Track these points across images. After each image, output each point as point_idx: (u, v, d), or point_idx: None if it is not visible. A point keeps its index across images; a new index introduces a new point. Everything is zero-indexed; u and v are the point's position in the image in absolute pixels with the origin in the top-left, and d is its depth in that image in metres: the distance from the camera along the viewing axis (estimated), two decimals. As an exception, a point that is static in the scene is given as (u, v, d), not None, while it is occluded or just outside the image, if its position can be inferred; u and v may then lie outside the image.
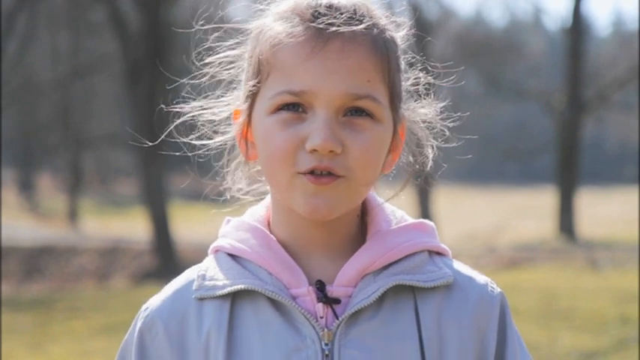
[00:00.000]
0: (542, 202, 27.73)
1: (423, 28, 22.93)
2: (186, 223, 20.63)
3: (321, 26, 1.40)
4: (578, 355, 7.85)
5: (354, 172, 1.41)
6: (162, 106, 1.62)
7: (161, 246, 16.21)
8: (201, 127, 1.56)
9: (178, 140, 1.58)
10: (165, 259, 15.83)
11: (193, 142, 1.57)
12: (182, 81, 1.59)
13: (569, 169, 20.87)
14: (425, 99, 1.56)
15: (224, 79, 1.55)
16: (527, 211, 28.39)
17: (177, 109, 1.57)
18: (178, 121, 1.58)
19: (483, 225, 23.91)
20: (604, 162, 47.55)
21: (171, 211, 17.15)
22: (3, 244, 16.70)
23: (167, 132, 1.58)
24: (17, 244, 18.32)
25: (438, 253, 1.52)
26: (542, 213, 25.07)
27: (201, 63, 1.56)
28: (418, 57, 1.56)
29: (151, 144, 1.72)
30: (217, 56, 1.54)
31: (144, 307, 1.52)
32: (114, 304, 11.10)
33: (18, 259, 16.90)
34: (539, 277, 12.95)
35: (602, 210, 28.12)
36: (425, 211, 22.71)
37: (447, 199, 28.25)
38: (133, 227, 23.00)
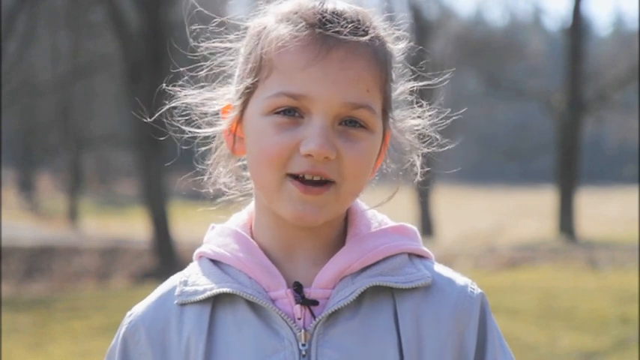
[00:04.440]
0: (542, 202, 27.74)
1: (423, 28, 22.91)
2: (186, 223, 20.63)
3: (327, 33, 1.41)
4: (578, 355, 7.85)
5: (345, 180, 1.43)
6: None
7: (161, 246, 16.21)
8: (194, 118, 1.57)
9: (170, 123, 1.58)
10: (165, 259, 15.83)
11: (183, 127, 1.57)
12: (180, 75, 1.59)
13: (569, 169, 20.86)
14: (416, 107, 1.57)
15: (218, 72, 1.55)
16: (527, 211, 28.39)
17: (170, 98, 1.58)
18: (167, 105, 1.58)
19: (483, 225, 23.92)
20: (604, 162, 47.56)
21: (171, 211, 17.16)
22: (3, 244, 16.69)
23: (161, 130, 1.59)
24: (17, 244, 18.31)
25: (420, 256, 1.53)
26: (542, 213, 25.07)
27: (195, 54, 1.56)
28: (412, 68, 1.58)
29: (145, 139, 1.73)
30: (214, 45, 1.55)
31: (128, 313, 1.55)
32: (114, 304, 11.09)
33: (18, 259, 16.90)
34: (539, 277, 12.94)
35: (602, 210, 28.12)
36: (425, 212, 22.71)
37: (447, 200, 28.25)
38: (133, 227, 23.01)
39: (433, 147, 1.58)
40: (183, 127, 1.57)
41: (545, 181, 26.94)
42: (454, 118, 1.61)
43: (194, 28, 1.57)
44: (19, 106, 25.10)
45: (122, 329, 1.54)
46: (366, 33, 1.43)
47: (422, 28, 22.55)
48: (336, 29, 1.41)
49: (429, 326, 1.47)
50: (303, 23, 1.43)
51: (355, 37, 1.42)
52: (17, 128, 30.93)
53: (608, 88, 22.34)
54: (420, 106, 1.57)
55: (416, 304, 1.47)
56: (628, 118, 27.44)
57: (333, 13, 1.43)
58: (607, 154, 49.10)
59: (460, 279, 1.53)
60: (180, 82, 1.58)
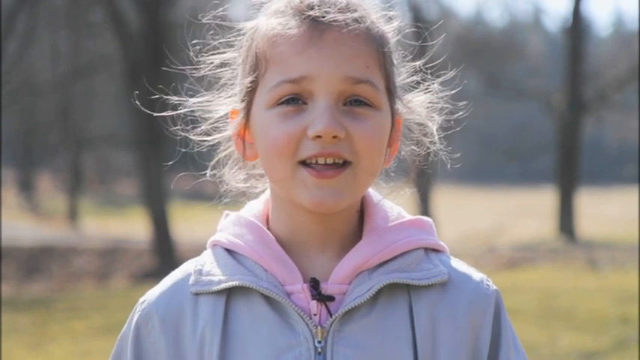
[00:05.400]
0: (542, 202, 27.73)
1: (422, 28, 22.91)
2: (186, 223, 20.63)
3: (317, 14, 1.42)
4: (578, 355, 7.84)
5: (360, 158, 1.42)
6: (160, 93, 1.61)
7: (161, 246, 16.20)
8: (201, 123, 1.57)
9: (178, 129, 1.58)
10: (165, 259, 15.82)
11: (192, 136, 1.57)
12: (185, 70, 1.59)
13: (569, 169, 20.86)
14: (421, 86, 1.57)
15: (220, 78, 1.55)
16: (527, 211, 28.38)
17: (176, 101, 1.58)
18: (178, 111, 1.57)
19: (483, 225, 23.90)
20: (604, 162, 47.54)
21: (171, 211, 17.15)
22: (3, 244, 16.68)
23: (168, 125, 1.59)
24: (17, 244, 18.30)
25: (436, 250, 1.52)
26: (542, 213, 25.06)
27: (198, 60, 1.56)
28: (409, 52, 1.57)
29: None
30: (214, 56, 1.55)
31: (141, 299, 1.53)
32: (114, 304, 11.09)
33: (18, 259, 16.89)
34: (539, 277, 12.94)
35: (602, 210, 28.11)
36: (425, 211, 22.72)
37: (448, 199, 28.24)
38: (132, 227, 23.00)
39: (446, 115, 1.57)
40: (194, 137, 1.57)
41: (545, 181, 26.94)
42: (456, 116, 1.61)
43: (194, 31, 1.57)
44: (19, 106, 25.10)
45: (135, 316, 1.52)
46: (356, 12, 1.44)
47: (421, 29, 22.53)
48: (326, 10, 1.42)
49: (444, 324, 1.46)
50: (292, 12, 1.44)
51: (344, 16, 1.42)
52: (17, 128, 30.91)
53: (608, 88, 22.33)
54: (427, 80, 1.57)
55: (432, 302, 1.47)
56: (628, 118, 27.43)
57: (321, 0, 1.44)
58: (607, 154, 49.07)
59: (476, 274, 1.53)
60: (184, 86, 1.58)
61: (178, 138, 1.58)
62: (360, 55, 1.42)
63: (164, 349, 1.48)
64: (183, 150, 1.60)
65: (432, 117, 1.56)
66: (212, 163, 1.60)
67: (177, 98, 1.57)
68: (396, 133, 1.51)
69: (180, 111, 1.57)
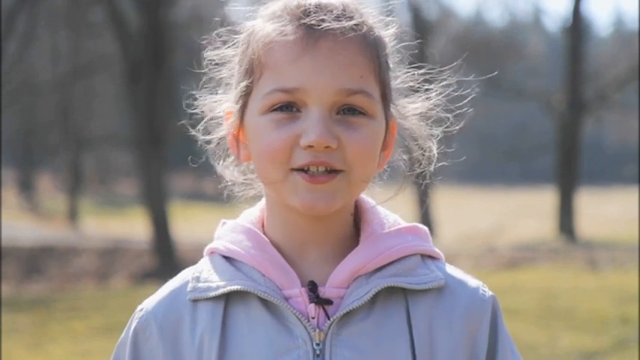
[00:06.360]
0: (542, 202, 27.72)
1: (422, 28, 22.90)
2: (186, 223, 20.63)
3: (312, 22, 1.42)
4: (578, 355, 7.85)
5: (352, 167, 1.42)
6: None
7: (161, 246, 16.20)
8: (204, 123, 1.58)
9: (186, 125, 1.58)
10: (165, 259, 15.83)
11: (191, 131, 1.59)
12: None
13: (569, 169, 20.86)
14: (417, 93, 1.56)
15: (219, 79, 1.56)
16: (527, 211, 28.38)
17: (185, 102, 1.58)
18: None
19: (483, 225, 23.90)
20: (604, 162, 47.54)
21: (171, 211, 17.14)
22: (3, 244, 16.69)
23: (168, 125, 1.60)
24: (17, 244, 18.30)
25: (431, 257, 1.53)
26: (542, 213, 25.07)
27: (199, 60, 1.58)
28: (408, 55, 1.57)
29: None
30: (213, 56, 1.56)
31: (139, 307, 1.54)
32: (114, 304, 11.09)
33: (18, 259, 16.89)
34: (539, 277, 12.94)
35: (602, 210, 28.12)
36: (425, 211, 22.71)
37: (447, 199, 28.25)
38: (132, 227, 23.00)
39: (444, 128, 1.57)
40: (198, 133, 1.58)
41: (545, 181, 26.92)
42: (456, 114, 1.60)
43: (195, 30, 1.58)
44: (19, 106, 25.10)
45: (133, 323, 1.53)
46: (351, 19, 1.43)
47: (422, 29, 22.53)
48: (320, 18, 1.42)
49: (441, 328, 1.47)
50: (288, 18, 1.44)
51: (340, 23, 1.42)
52: (17, 128, 30.93)
53: (608, 88, 22.33)
54: (426, 90, 1.56)
55: (429, 306, 1.47)
56: (628, 118, 27.43)
57: (317, 5, 1.44)
58: (607, 154, 49.07)
59: (472, 281, 1.53)
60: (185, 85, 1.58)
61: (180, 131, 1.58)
62: (355, 64, 1.42)
63: (162, 356, 1.49)
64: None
65: (429, 125, 1.56)
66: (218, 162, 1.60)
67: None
68: (390, 138, 1.51)
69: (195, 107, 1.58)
